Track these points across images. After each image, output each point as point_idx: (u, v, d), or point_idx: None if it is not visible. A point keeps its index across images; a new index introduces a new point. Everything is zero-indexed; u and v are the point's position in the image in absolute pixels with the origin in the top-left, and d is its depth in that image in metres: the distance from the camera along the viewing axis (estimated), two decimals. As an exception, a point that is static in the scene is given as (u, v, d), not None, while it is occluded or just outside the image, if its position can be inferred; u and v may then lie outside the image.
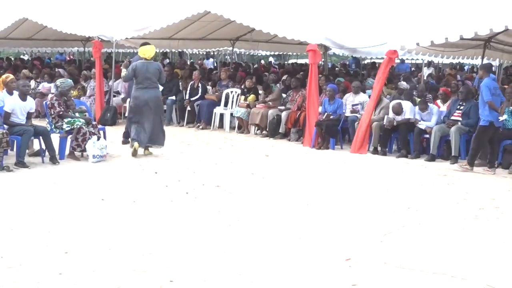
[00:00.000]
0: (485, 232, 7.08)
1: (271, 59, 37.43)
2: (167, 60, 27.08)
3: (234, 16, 14.35)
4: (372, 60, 29.36)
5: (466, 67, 32.16)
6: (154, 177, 9.73)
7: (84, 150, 10.97)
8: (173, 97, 16.71)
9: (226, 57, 32.92)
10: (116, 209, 7.63)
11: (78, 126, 10.98)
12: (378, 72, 13.38)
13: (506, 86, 13.96)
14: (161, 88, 12.08)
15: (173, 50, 25.85)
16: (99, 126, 12.12)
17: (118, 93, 17.40)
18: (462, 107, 12.38)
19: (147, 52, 11.57)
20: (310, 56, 13.60)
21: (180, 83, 17.43)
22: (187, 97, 16.67)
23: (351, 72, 23.26)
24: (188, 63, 26.01)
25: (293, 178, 9.99)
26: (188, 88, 16.77)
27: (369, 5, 14.97)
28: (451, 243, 6.60)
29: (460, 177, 10.54)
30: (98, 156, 10.84)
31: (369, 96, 13.62)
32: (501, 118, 11.12)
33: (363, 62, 31.50)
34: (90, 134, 11.01)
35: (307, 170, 10.83)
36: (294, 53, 29.50)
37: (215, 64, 29.51)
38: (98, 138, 11.03)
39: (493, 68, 28.82)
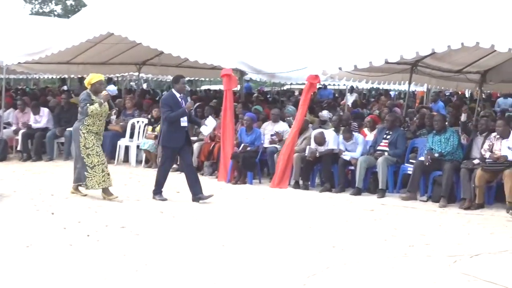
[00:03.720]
0: (415, 271, 7.20)
1: None
2: (65, 87, 26.72)
3: (140, 38, 14.30)
4: (290, 87, 29.80)
5: (392, 93, 32.95)
6: (50, 218, 9.53)
7: (-30, 189, 10.66)
8: (71, 129, 16.46)
9: (132, 83, 32.73)
10: (7, 256, 7.42)
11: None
12: (300, 99, 13.56)
13: (434, 114, 14.35)
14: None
15: (73, 76, 25.53)
16: (-12, 162, 11.81)
17: (9, 124, 17.02)
18: (388, 136, 12.65)
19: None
20: (224, 82, 13.67)
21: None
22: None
23: (270, 99, 23.54)
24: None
25: (207, 217, 9.96)
26: (89, 118, 16.56)
27: (289, 28, 15.23)
28: (379, 284, 6.69)
29: (388, 212, 10.74)
30: (-14, 196, 10.56)
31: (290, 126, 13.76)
32: None
33: (281, 88, 31.91)
34: (-24, 171, 10.71)
35: (222, 207, 10.82)
36: (207, 79, 29.62)
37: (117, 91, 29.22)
38: (-14, 175, 10.76)
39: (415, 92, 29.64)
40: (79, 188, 11.34)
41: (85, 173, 11.01)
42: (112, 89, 14.58)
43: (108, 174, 11.18)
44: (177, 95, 11.33)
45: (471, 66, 16.32)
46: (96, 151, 11.09)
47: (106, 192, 11.18)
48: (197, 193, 11.12)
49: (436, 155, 11.79)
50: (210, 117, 12.89)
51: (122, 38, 14.71)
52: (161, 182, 11.38)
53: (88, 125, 11.11)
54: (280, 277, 6.83)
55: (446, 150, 11.82)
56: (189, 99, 12.05)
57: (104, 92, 11.42)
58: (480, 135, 12.01)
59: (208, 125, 11.86)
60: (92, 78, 11.30)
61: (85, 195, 11.25)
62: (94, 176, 11.01)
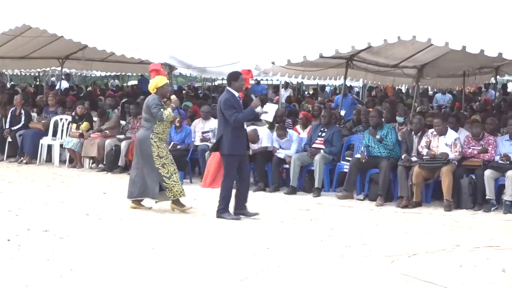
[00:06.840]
0: (352, 272, 7.29)
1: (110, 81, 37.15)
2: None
3: (61, 31, 14.11)
4: (222, 82, 29.83)
5: (328, 89, 33.24)
6: (-33, 222, 9.37)
7: None
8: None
9: (53, 78, 32.28)
10: None
11: None
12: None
13: (370, 109, 14.53)
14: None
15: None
16: None
17: None
18: (324, 134, 12.75)
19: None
20: (153, 77, 13.60)
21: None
22: (7, 126, 16.21)
23: (200, 95, 23.55)
24: (8, 86, 25.32)
25: (136, 219, 9.90)
26: (8, 116, 16.32)
27: (221, 21, 15.24)
28: (316, 286, 6.75)
29: (324, 212, 10.85)
30: None
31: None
32: None
33: (213, 84, 31.95)
34: None
35: (151, 209, 10.76)
36: (135, 74, 29.39)
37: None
38: None
39: (356, 89, 30.11)
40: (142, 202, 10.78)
41: (164, 184, 10.39)
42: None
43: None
44: (236, 94, 10.38)
45: (407, 61, 16.59)
46: (170, 159, 10.52)
47: (177, 203, 10.64)
48: (241, 208, 10.35)
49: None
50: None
51: (41, 31, 14.50)
52: (228, 198, 10.23)
53: (158, 133, 10.45)
54: (212, 280, 6.84)
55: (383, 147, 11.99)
56: (253, 96, 11.32)
57: (173, 96, 11.00)
58: (415, 135, 12.18)
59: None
60: (159, 81, 10.66)
61: (150, 207, 10.71)
62: (174, 186, 10.43)
